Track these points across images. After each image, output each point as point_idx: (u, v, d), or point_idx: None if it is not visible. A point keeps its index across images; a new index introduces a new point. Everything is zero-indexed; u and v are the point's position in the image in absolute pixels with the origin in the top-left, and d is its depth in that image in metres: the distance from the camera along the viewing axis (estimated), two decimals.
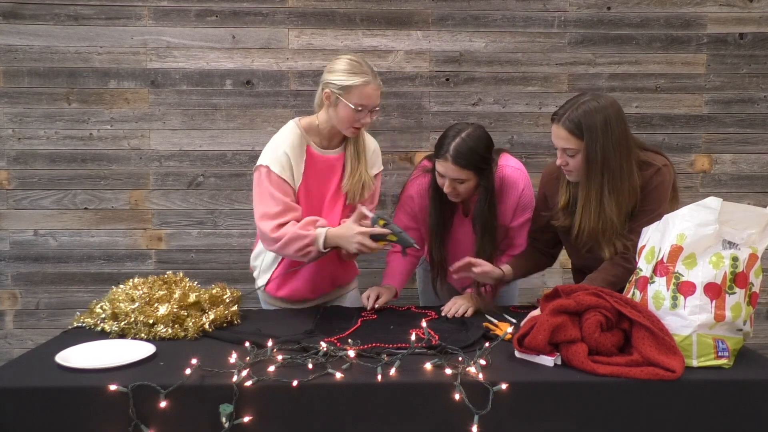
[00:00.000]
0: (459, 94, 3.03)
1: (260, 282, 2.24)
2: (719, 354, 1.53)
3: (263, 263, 2.23)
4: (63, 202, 3.01)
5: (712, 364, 1.52)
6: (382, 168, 2.26)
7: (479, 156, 1.99)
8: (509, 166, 2.12)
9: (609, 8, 3.01)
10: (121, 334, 1.75)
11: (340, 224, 2.04)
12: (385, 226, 1.94)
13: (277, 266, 2.17)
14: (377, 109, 2.04)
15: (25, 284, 3.03)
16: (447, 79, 3.03)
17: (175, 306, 1.78)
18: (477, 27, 3.01)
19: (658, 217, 1.71)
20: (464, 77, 3.03)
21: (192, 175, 3.03)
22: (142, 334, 1.73)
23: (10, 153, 2.97)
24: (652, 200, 1.86)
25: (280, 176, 1.99)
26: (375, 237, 1.94)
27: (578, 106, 1.83)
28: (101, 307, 1.86)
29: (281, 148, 2.02)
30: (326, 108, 2.05)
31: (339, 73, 1.98)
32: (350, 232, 1.94)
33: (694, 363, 1.52)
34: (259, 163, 2.03)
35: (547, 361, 1.53)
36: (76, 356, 1.56)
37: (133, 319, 1.75)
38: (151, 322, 1.74)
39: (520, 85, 3.03)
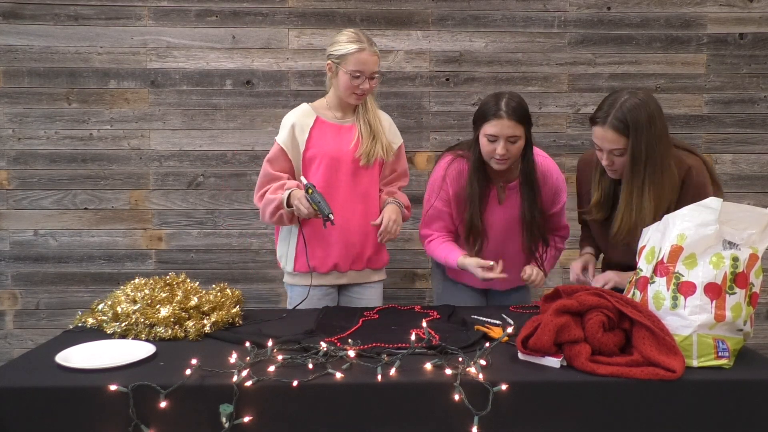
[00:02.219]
0: (459, 94, 3.03)
1: (289, 266, 2.29)
2: (719, 354, 1.52)
3: (289, 247, 2.30)
4: (63, 202, 3.01)
5: (713, 364, 1.52)
6: (402, 141, 2.38)
7: (528, 113, 2.10)
8: (539, 155, 2.21)
9: (609, 8, 3.01)
10: (123, 335, 1.75)
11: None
12: (310, 194, 2.06)
13: (296, 239, 2.26)
14: (376, 76, 2.19)
15: (25, 284, 3.03)
16: (447, 79, 3.03)
17: (176, 309, 1.78)
18: (477, 27, 3.01)
19: None
20: (464, 77, 3.03)
21: (192, 175, 3.03)
22: (142, 335, 1.73)
23: (10, 153, 2.97)
24: (687, 201, 1.73)
25: (282, 146, 2.20)
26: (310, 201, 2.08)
27: (621, 105, 1.82)
28: (102, 308, 1.85)
29: (289, 121, 2.23)
30: (330, 80, 2.24)
31: (337, 44, 2.18)
32: (298, 194, 2.10)
33: (695, 363, 1.52)
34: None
35: (554, 362, 1.52)
36: (76, 356, 1.56)
37: (134, 321, 1.74)
38: (149, 323, 1.74)
39: (520, 85, 3.03)
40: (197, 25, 2.96)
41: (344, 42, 2.16)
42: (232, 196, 3.05)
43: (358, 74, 2.14)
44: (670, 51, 3.03)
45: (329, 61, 2.20)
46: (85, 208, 3.02)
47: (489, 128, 2.06)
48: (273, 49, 2.98)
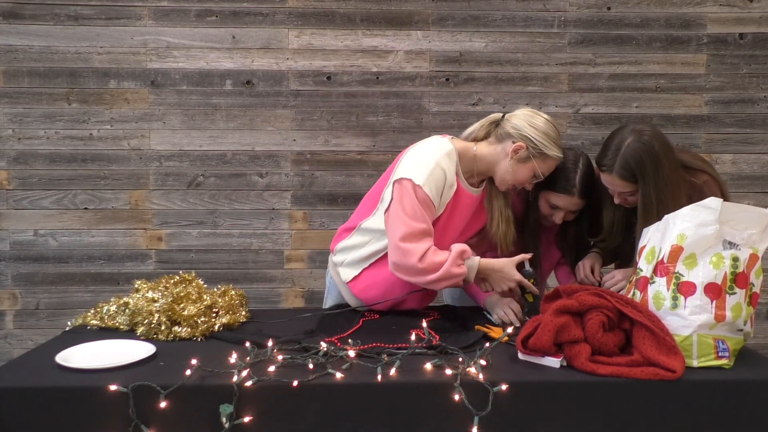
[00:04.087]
0: (459, 94, 3.03)
1: (345, 276, 2.05)
2: (719, 354, 1.52)
3: (350, 257, 2.06)
4: (63, 202, 3.01)
5: (713, 365, 1.52)
6: None
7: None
8: None
9: (609, 8, 3.01)
10: (146, 335, 1.73)
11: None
12: (534, 285, 1.91)
13: (369, 266, 2.02)
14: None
15: (25, 284, 3.03)
16: (447, 79, 3.03)
17: (201, 307, 1.77)
18: (477, 27, 3.01)
19: None
20: (464, 77, 3.03)
21: (192, 175, 3.03)
22: (161, 336, 1.72)
23: (10, 153, 2.97)
24: None
25: (430, 197, 1.84)
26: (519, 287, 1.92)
27: (624, 150, 1.80)
28: (118, 307, 1.84)
29: (440, 168, 1.86)
30: (506, 157, 1.91)
31: (544, 135, 1.88)
32: (508, 272, 1.88)
33: (695, 363, 1.52)
34: (403, 176, 1.85)
35: (554, 362, 1.52)
36: (76, 356, 1.56)
37: (156, 319, 1.73)
38: (174, 319, 1.73)
39: (520, 85, 3.04)
40: (197, 25, 2.96)
41: (552, 141, 1.89)
42: (232, 196, 3.05)
43: (540, 178, 1.93)
44: (670, 51, 3.03)
45: (522, 143, 1.88)
46: (85, 208, 3.02)
47: (554, 198, 1.99)
48: (273, 49, 2.98)
